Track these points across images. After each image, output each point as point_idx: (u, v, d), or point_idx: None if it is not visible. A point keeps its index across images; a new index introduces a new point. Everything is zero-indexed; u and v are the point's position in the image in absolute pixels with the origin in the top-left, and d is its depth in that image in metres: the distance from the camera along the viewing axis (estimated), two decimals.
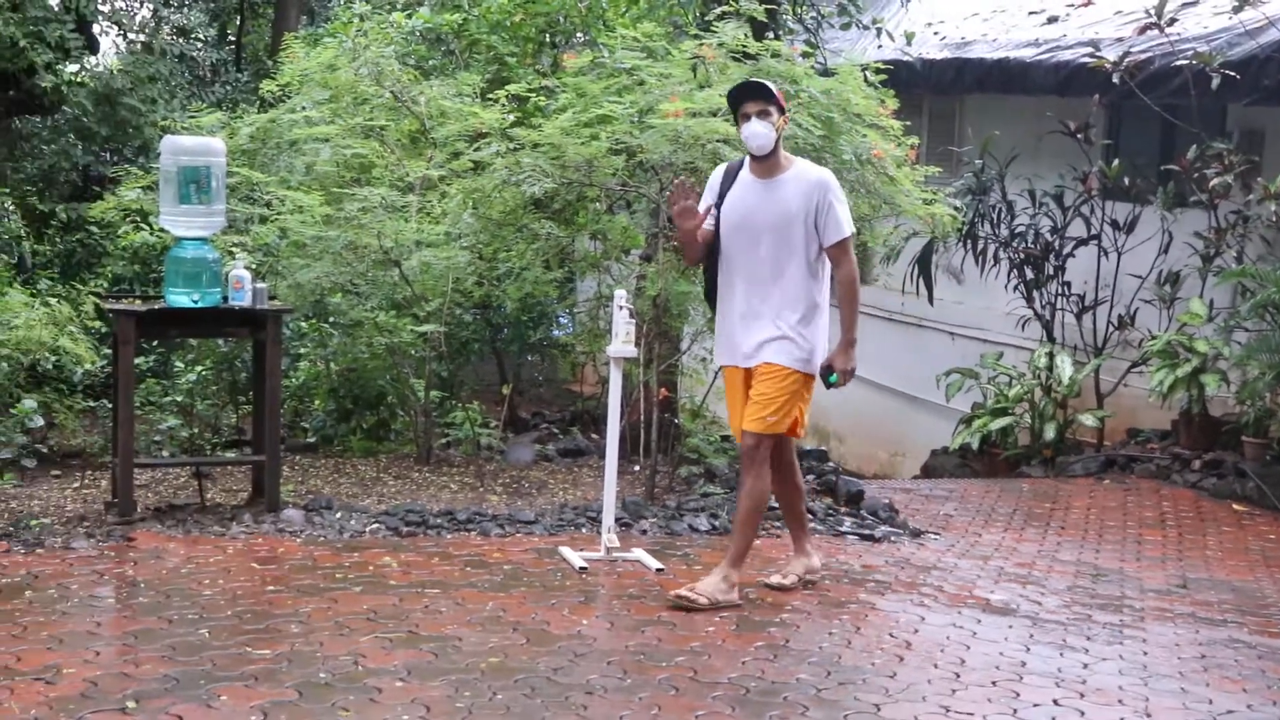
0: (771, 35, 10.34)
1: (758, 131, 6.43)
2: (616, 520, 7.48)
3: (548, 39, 13.06)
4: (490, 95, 10.19)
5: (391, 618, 5.99)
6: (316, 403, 11.31)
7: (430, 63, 12.74)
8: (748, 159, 6.62)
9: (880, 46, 13.62)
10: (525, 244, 9.54)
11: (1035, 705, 5.25)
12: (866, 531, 8.37)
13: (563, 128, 8.65)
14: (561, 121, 8.71)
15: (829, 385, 6.52)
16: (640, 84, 8.83)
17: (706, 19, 9.48)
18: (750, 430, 6.45)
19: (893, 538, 8.32)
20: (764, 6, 9.49)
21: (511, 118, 9.64)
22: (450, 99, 10.17)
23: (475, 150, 9.65)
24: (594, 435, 10.95)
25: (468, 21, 12.68)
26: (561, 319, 12.51)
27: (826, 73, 9.45)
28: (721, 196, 6.64)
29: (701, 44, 8.86)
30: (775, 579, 6.78)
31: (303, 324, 11.07)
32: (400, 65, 10.61)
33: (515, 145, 9.03)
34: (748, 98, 6.47)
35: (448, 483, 9.36)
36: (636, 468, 9.46)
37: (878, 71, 9.42)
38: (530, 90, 10.27)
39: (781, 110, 6.54)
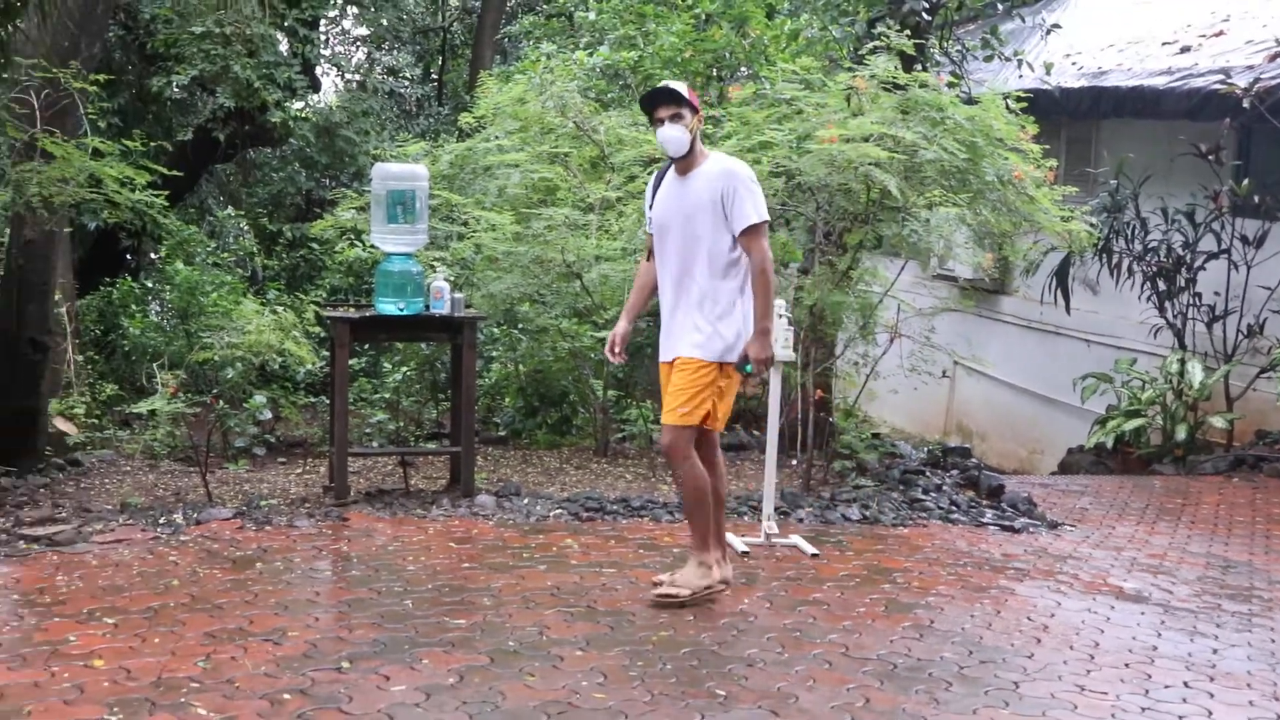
0: (920, 67, 10.19)
1: (670, 135, 5.97)
2: (775, 509, 7.43)
3: (714, 73, 13.04)
4: None
5: (572, 593, 6.03)
6: (507, 400, 11.44)
7: (609, 95, 12.81)
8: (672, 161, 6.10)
9: (1021, 76, 13.34)
10: None
11: (1166, 686, 5.08)
12: (1007, 523, 8.19)
13: (728, 152, 8.63)
14: (726, 147, 8.69)
15: (744, 375, 5.92)
16: (799, 113, 8.77)
17: (860, 53, 9.37)
18: (664, 423, 5.93)
19: (1031, 529, 8.13)
20: (913, 41, 9.37)
21: None
22: (626, 128, 10.21)
23: (647, 173, 9.67)
24: (755, 432, 10.89)
25: (643, 58, 12.72)
26: None
27: (971, 101, 9.28)
28: (653, 201, 6.18)
29: (855, 76, 8.77)
30: (664, 581, 6.06)
31: (495, 330, 11.20)
32: (582, 98, 10.68)
33: None
34: (660, 103, 6.01)
35: (623, 473, 9.39)
36: (794, 462, 9.39)
37: (1019, 99, 9.23)
38: None
39: (695, 110, 6.01)
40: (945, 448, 10.45)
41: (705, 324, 5.89)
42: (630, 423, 10.59)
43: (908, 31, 9.60)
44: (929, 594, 6.30)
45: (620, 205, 9.84)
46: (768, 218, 5.95)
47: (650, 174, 9.51)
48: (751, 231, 5.84)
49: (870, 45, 9.32)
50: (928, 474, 9.39)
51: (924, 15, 11.01)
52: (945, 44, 12.84)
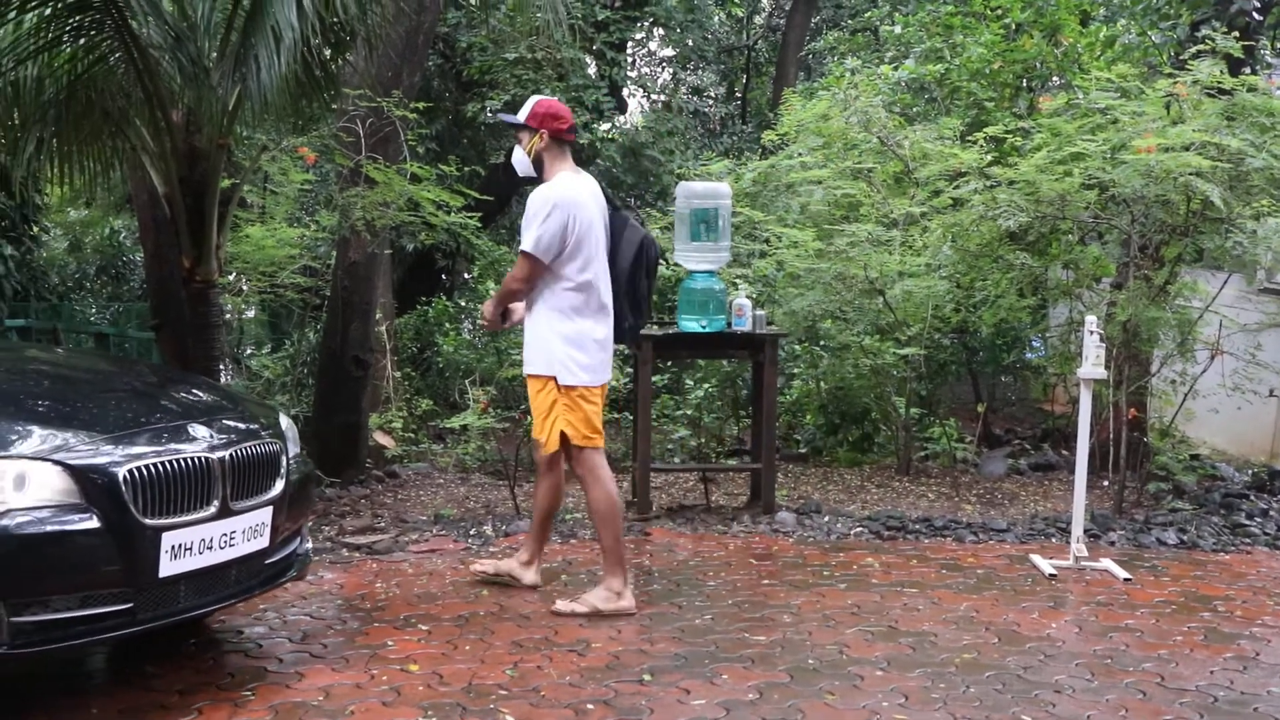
0: (1248, 70, 9.68)
1: (513, 158, 6.22)
2: (1085, 531, 7.18)
3: (1024, 84, 12.71)
4: (969, 137, 10.01)
5: (873, 613, 5.96)
6: (808, 417, 11.40)
7: (914, 109, 12.65)
8: None
9: None
10: (1000, 273, 9.32)
11: None
12: None
13: (1037, 165, 8.41)
14: (1036, 159, 8.46)
15: None
16: (1113, 122, 8.46)
17: (1181, 58, 8.96)
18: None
19: None
20: (1241, 44, 8.91)
21: (989, 157, 9.43)
22: (931, 142, 10.06)
23: (954, 188, 9.50)
24: (1064, 451, 10.54)
25: (949, 71, 12.51)
26: (1034, 343, 12.10)
27: None
28: None
29: (1176, 82, 8.40)
30: (527, 574, 6.34)
31: (796, 347, 11.19)
32: (886, 113, 10.58)
33: (992, 183, 8.83)
34: (509, 130, 5.98)
35: (925, 492, 9.23)
36: (1104, 483, 9.03)
37: None
38: (1007, 131, 10.02)
39: (532, 130, 6.05)
40: (1272, 471, 9.86)
41: (532, 339, 6.07)
42: (933, 441, 10.41)
43: (1235, 33, 9.13)
44: (1254, 624, 5.95)
45: (924, 221, 9.70)
46: (530, 249, 5.89)
47: (955, 187, 9.37)
48: (521, 254, 5.96)
49: (1193, 49, 8.91)
50: (1252, 498, 8.88)
51: (1254, 15, 10.44)
52: (1278, 45, 12.15)
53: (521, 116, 6.16)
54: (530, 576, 6.38)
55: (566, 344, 5.97)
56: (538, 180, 6.17)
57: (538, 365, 6.03)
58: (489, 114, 14.86)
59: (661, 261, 11.30)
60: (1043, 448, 11.03)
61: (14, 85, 6.73)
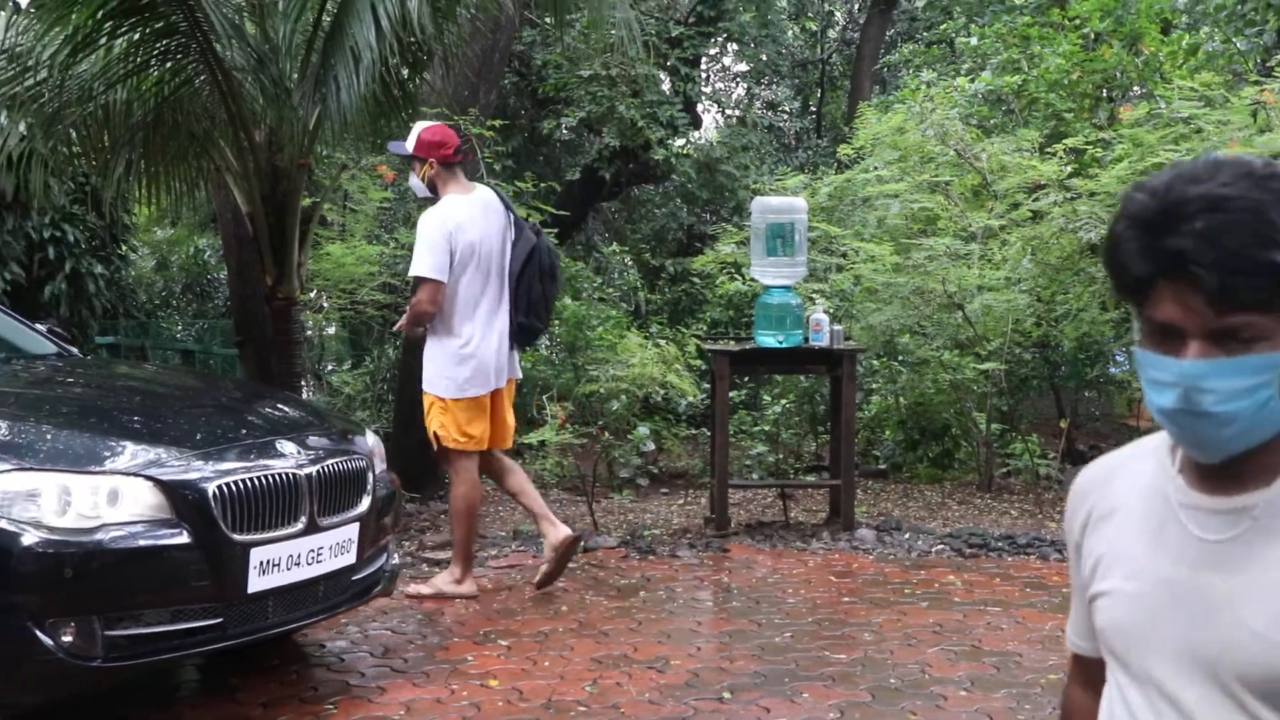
0: None
1: (411, 184, 6.71)
2: None
3: (1104, 94, 12.59)
4: (1048, 149, 9.93)
5: (955, 631, 5.92)
6: (887, 433, 11.35)
7: (991, 122, 12.56)
8: None
9: None
10: (1082, 287, 9.24)
11: None
12: None
13: (1119, 176, 8.33)
14: (1118, 170, 8.39)
15: None
16: (1197, 132, 8.37)
17: (1268, 64, 8.85)
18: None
19: None
20: None
21: (1069, 169, 9.36)
22: (1010, 154, 9.99)
23: (1034, 201, 9.44)
24: None
25: (1027, 82, 12.41)
26: (1118, 357, 11.97)
27: None
28: None
29: (1263, 89, 8.29)
30: (414, 587, 6.66)
31: (874, 362, 11.14)
32: (963, 125, 10.52)
33: (1072, 195, 8.77)
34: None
35: (1008, 509, 9.15)
36: None
37: None
38: (1087, 143, 9.94)
39: (421, 159, 6.47)
40: None
41: (425, 356, 6.64)
42: (1015, 457, 10.31)
43: None
44: None
45: (1003, 234, 9.63)
46: (422, 273, 6.35)
47: (1034, 200, 9.31)
48: (417, 281, 6.46)
49: None
50: None
51: None
52: None
53: (410, 147, 6.54)
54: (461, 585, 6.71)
55: (447, 361, 6.51)
56: (435, 201, 6.58)
57: (425, 379, 6.62)
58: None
59: (737, 277, 11.37)
60: None
61: (104, 109, 6.89)
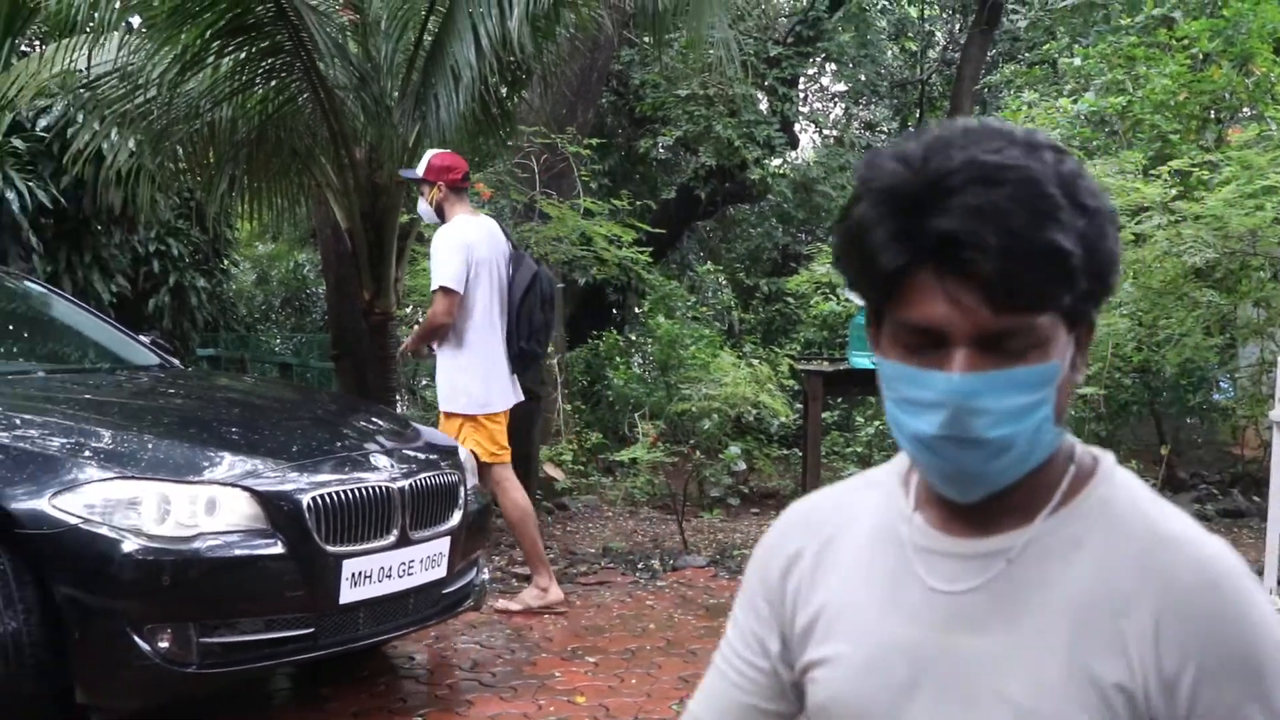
0: None
1: (419, 209, 6.85)
2: (1278, 582, 6.93)
3: (1212, 115, 12.38)
4: (1152, 171, 9.79)
5: None
6: None
7: (1094, 143, 12.41)
8: None
9: None
10: (1185, 311, 9.08)
11: None
12: None
13: (1226, 199, 8.18)
14: (1225, 193, 8.24)
15: None
16: None
17: None
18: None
19: None
20: None
21: (1173, 192, 9.22)
22: (1112, 176, 9.86)
23: (1136, 224, 9.30)
24: (1255, 497, 10.19)
25: (1132, 103, 12.25)
26: (1222, 383, 11.75)
27: None
28: None
29: None
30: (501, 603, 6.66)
31: None
32: (1065, 146, 10.41)
33: (1177, 218, 8.63)
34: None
35: None
36: None
37: None
38: (1193, 165, 9.78)
39: (431, 183, 6.60)
40: None
41: (441, 376, 6.75)
42: None
43: None
44: None
45: None
46: (444, 283, 6.46)
47: (1137, 223, 9.18)
48: (435, 292, 6.55)
49: None
50: None
51: None
52: None
53: (420, 172, 6.70)
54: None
55: (466, 376, 6.62)
56: (441, 225, 6.78)
57: (443, 398, 6.69)
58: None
59: (832, 297, 11.34)
60: (1231, 493, 10.68)
61: (210, 126, 7.04)
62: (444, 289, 6.48)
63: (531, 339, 6.78)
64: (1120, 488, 1.35)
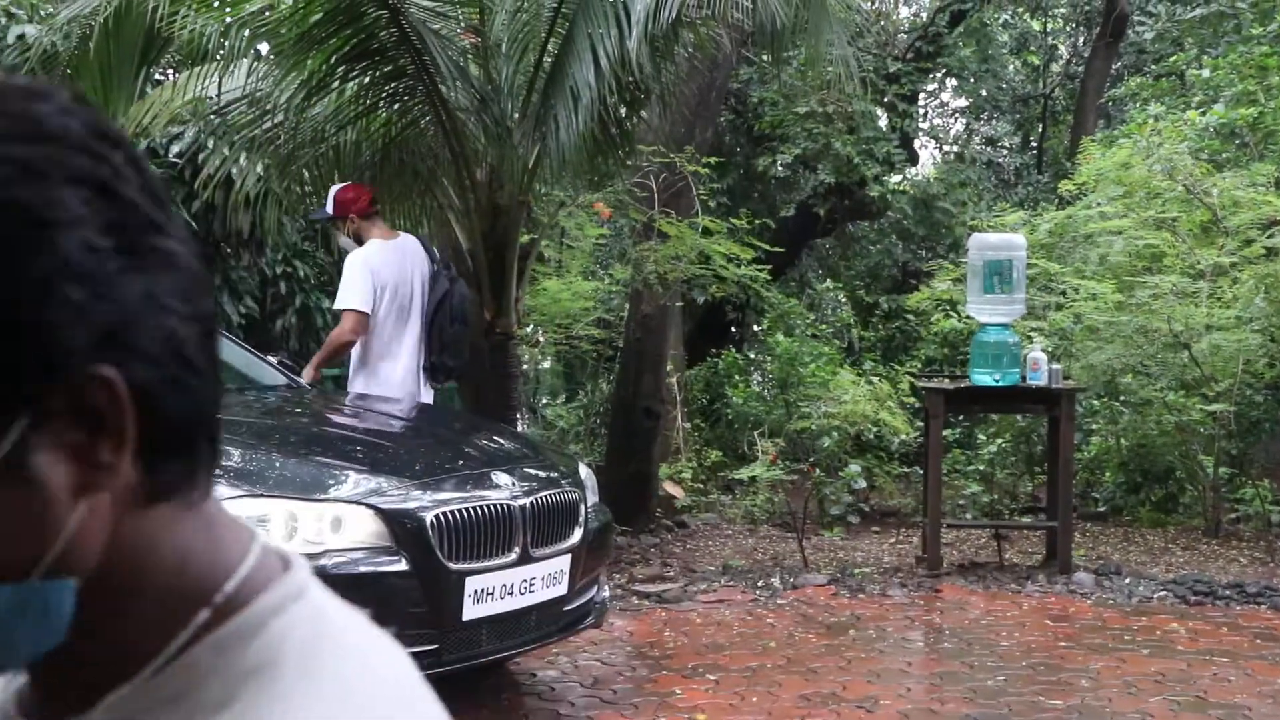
0: None
1: (341, 243, 7.22)
2: None
3: None
4: None
5: (1179, 681, 5.70)
6: (1107, 475, 11.02)
7: (1223, 156, 12.13)
8: None
9: None
10: None
11: None
12: None
13: None
14: None
15: None
16: None
17: None
18: None
19: None
20: None
21: None
22: (1243, 189, 9.64)
23: (1268, 237, 9.08)
24: None
25: (1263, 114, 11.97)
26: None
27: None
28: None
29: None
30: None
31: (1094, 402, 10.84)
32: (1192, 160, 10.19)
33: None
34: None
35: (1236, 556, 8.77)
36: None
37: None
38: None
39: (342, 218, 6.89)
40: None
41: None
42: (1244, 503, 9.89)
43: None
44: None
45: (1234, 271, 9.28)
46: (349, 304, 6.72)
47: (1269, 236, 8.95)
48: (344, 312, 6.81)
49: None
50: None
51: None
52: None
53: (329, 210, 7.01)
54: None
55: (375, 391, 6.80)
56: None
57: None
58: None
59: (953, 314, 11.19)
60: None
61: (335, 150, 7.18)
62: (350, 310, 6.78)
63: (444, 353, 7.02)
64: (294, 621, 0.83)
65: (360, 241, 6.97)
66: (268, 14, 6.45)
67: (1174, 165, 9.88)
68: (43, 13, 9.26)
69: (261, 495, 4.48)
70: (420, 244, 7.18)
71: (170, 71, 9.56)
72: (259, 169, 7.64)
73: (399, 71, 6.70)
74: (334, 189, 7.03)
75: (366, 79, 6.74)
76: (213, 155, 7.85)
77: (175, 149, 9.95)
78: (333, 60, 6.48)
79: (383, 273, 6.81)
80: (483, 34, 7.31)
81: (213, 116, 7.52)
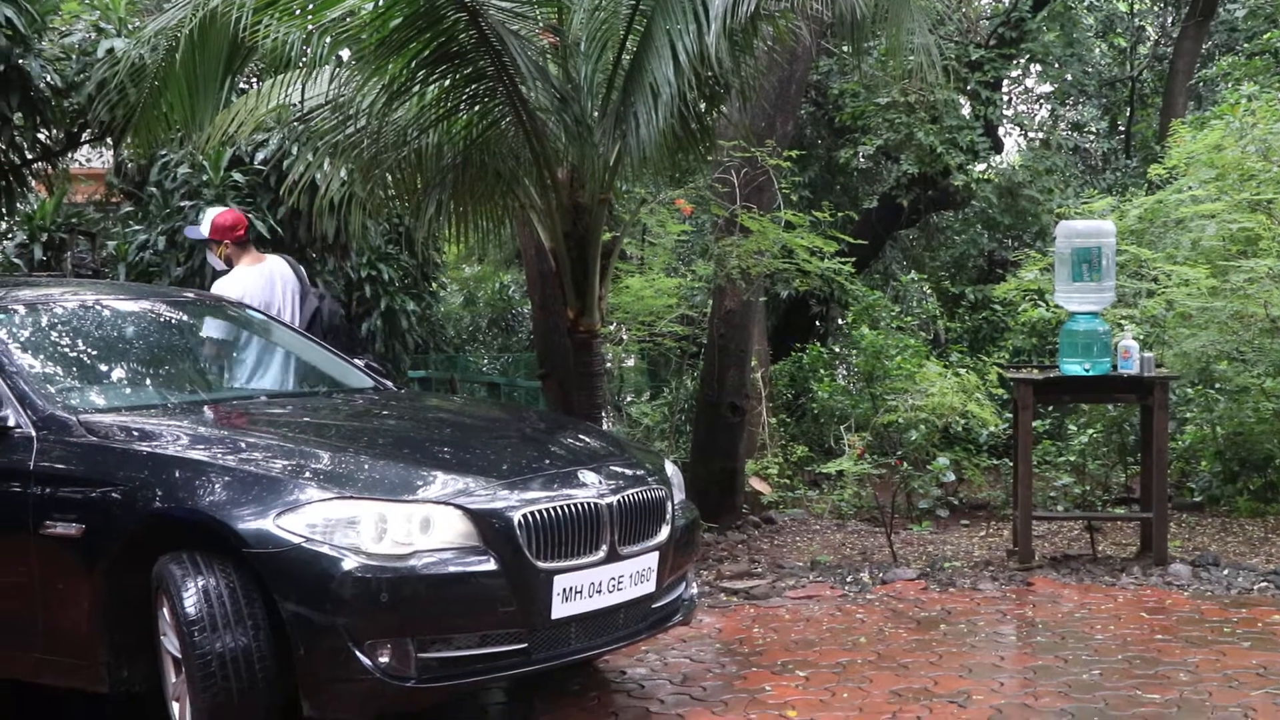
0: None
1: (210, 261, 7.90)
2: None
3: None
4: None
5: None
6: (1203, 464, 10.85)
7: None
8: None
9: None
10: None
11: None
12: None
13: None
14: None
15: None
16: None
17: None
18: None
19: None
20: None
21: None
22: None
23: None
24: None
25: None
26: None
27: None
28: None
29: None
30: None
31: (1188, 390, 10.68)
32: None
33: None
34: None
35: None
36: None
37: None
38: None
39: (217, 241, 7.64)
40: None
41: None
42: None
43: None
44: None
45: None
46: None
47: None
48: None
49: None
50: None
51: None
52: None
53: (205, 232, 7.72)
54: None
55: None
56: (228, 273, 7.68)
57: None
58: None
59: (1041, 304, 11.06)
60: None
61: (417, 153, 7.24)
62: None
63: None
64: None
65: (230, 265, 7.65)
66: (349, 20, 6.51)
67: (1269, 146, 9.70)
68: (130, 26, 9.45)
69: (351, 498, 4.54)
70: (289, 264, 7.86)
71: (254, 80, 9.72)
72: (342, 174, 7.74)
73: (479, 73, 6.74)
74: (213, 211, 7.85)
75: (447, 82, 6.79)
76: (297, 161, 7.96)
77: (260, 156, 10.13)
78: (413, 64, 6.53)
79: (254, 295, 7.42)
80: (561, 33, 7.34)
81: (296, 123, 7.62)
